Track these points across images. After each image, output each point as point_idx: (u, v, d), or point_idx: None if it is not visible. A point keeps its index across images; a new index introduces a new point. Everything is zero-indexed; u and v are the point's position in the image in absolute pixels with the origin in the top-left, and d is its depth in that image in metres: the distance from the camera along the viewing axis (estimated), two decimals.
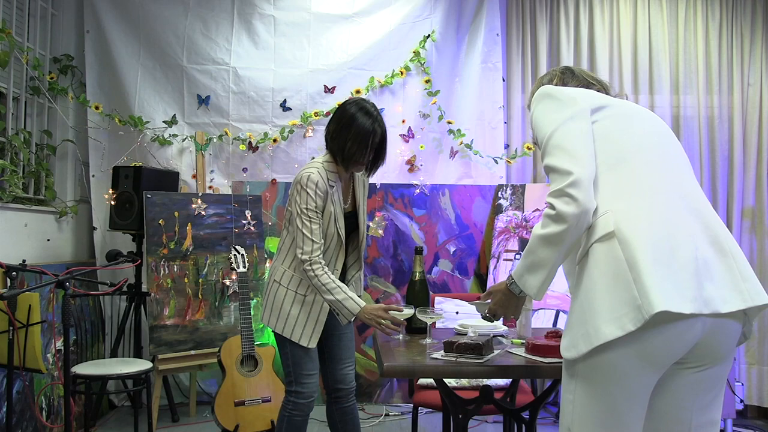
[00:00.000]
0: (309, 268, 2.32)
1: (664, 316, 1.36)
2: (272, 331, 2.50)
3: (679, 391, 1.52)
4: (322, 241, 2.38)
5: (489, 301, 1.85)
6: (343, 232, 2.45)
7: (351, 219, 2.53)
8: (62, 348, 2.96)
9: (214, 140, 4.26)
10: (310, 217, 2.34)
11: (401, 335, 2.32)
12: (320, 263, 2.33)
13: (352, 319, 2.37)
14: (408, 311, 2.25)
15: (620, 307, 1.39)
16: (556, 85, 1.85)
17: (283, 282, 2.46)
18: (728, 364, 1.54)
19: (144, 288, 3.75)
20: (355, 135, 2.33)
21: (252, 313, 3.43)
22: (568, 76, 1.87)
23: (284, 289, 2.45)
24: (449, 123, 4.38)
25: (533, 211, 4.15)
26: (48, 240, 3.78)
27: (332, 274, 2.40)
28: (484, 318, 1.89)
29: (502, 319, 1.88)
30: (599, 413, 1.47)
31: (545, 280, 1.58)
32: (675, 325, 1.39)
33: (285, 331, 2.43)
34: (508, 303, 1.76)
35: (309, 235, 2.33)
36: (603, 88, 1.85)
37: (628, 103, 1.76)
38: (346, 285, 2.53)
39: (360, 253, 2.61)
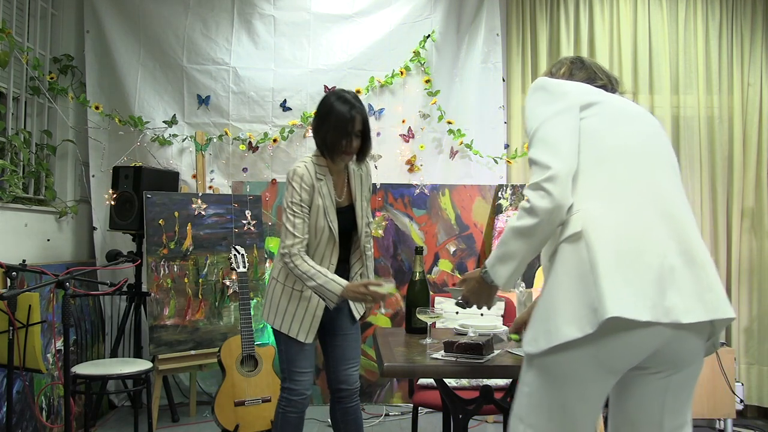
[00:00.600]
0: (289, 260, 2.34)
1: (620, 322, 1.35)
2: (271, 328, 2.51)
3: (647, 396, 1.52)
4: (306, 235, 2.38)
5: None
6: (335, 225, 2.42)
7: (347, 214, 2.50)
8: (62, 348, 2.96)
9: (214, 140, 4.26)
10: (294, 211, 2.34)
11: (383, 309, 2.33)
12: (299, 254, 2.33)
13: (338, 301, 2.34)
14: (389, 286, 2.27)
15: (581, 308, 1.40)
16: (563, 74, 1.84)
17: (279, 278, 2.48)
18: (696, 368, 1.53)
19: (144, 288, 3.75)
20: (335, 124, 2.33)
21: (252, 313, 3.43)
22: (577, 67, 1.86)
23: (281, 285, 2.47)
24: (449, 123, 4.38)
25: None
26: (48, 240, 3.78)
27: (326, 268, 2.38)
28: (457, 304, 1.86)
29: (487, 310, 1.86)
30: (551, 409, 1.49)
31: (514, 272, 1.58)
32: (632, 332, 1.38)
33: (282, 327, 2.45)
34: (480, 291, 1.73)
35: (291, 229, 2.34)
36: (609, 83, 1.83)
37: (623, 101, 1.74)
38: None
39: (362, 250, 2.59)
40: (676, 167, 1.65)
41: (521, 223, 1.52)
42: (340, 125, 2.33)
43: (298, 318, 2.44)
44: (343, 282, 2.31)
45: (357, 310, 2.60)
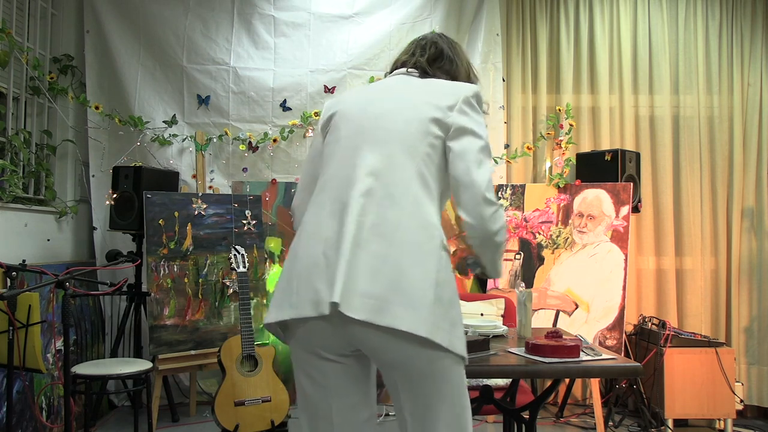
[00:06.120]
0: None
1: None
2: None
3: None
4: None
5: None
6: None
7: None
8: (62, 348, 2.96)
9: (214, 140, 4.26)
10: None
11: None
12: None
13: None
14: None
15: None
16: (391, 71, 1.82)
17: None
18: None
19: (144, 288, 3.75)
20: None
21: (252, 313, 3.43)
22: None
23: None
24: None
25: (533, 211, 4.15)
26: (48, 240, 3.78)
27: None
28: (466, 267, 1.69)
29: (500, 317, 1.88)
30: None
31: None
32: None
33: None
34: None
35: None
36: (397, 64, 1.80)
37: (356, 97, 1.72)
38: None
39: None
40: (386, 154, 1.53)
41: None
42: None
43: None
44: None
45: None
